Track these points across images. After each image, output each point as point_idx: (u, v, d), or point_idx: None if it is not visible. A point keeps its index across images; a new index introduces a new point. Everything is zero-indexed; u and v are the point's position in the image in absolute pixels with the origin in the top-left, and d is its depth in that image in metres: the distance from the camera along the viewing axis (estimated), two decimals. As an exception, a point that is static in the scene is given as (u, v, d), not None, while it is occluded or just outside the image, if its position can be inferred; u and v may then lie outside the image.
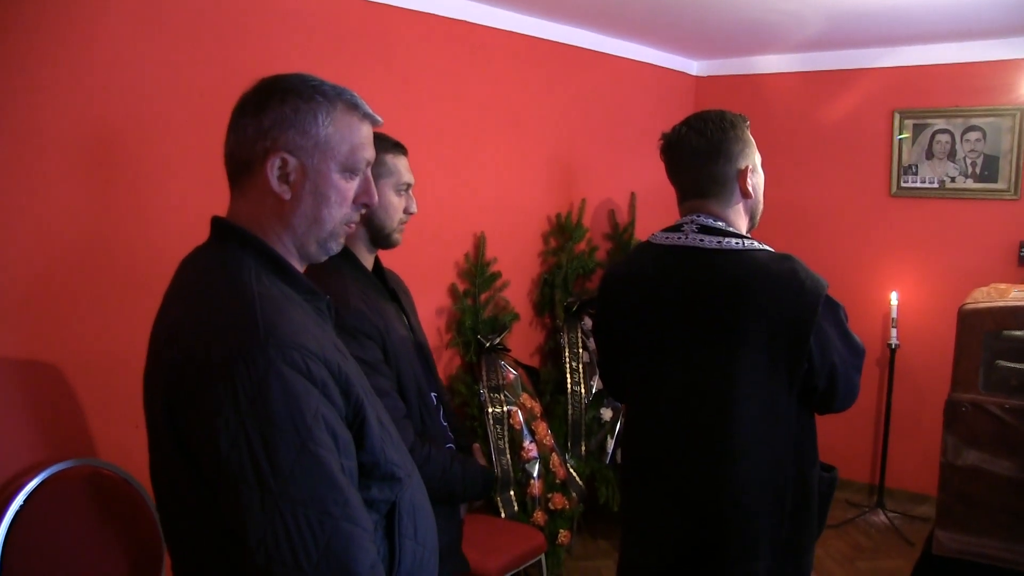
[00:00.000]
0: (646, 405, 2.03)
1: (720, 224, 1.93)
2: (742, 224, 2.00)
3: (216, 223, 1.39)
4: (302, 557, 1.15)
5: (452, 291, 4.04)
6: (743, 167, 1.96)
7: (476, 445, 2.44)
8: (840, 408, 1.97)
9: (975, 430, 2.73)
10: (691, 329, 1.89)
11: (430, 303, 3.94)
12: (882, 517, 4.92)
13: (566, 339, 4.44)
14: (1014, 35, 4.43)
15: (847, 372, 1.91)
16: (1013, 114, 4.70)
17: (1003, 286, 3.17)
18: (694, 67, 5.67)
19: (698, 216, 1.95)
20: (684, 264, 1.93)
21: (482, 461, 2.35)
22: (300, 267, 1.42)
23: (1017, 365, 2.82)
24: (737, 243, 1.89)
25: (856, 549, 4.61)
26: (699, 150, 1.95)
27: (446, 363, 4.05)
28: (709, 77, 5.67)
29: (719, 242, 1.90)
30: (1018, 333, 2.82)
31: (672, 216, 2.03)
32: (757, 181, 2.02)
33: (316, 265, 1.46)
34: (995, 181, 4.80)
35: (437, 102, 3.83)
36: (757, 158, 2.02)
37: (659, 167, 2.09)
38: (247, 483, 1.15)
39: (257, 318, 1.22)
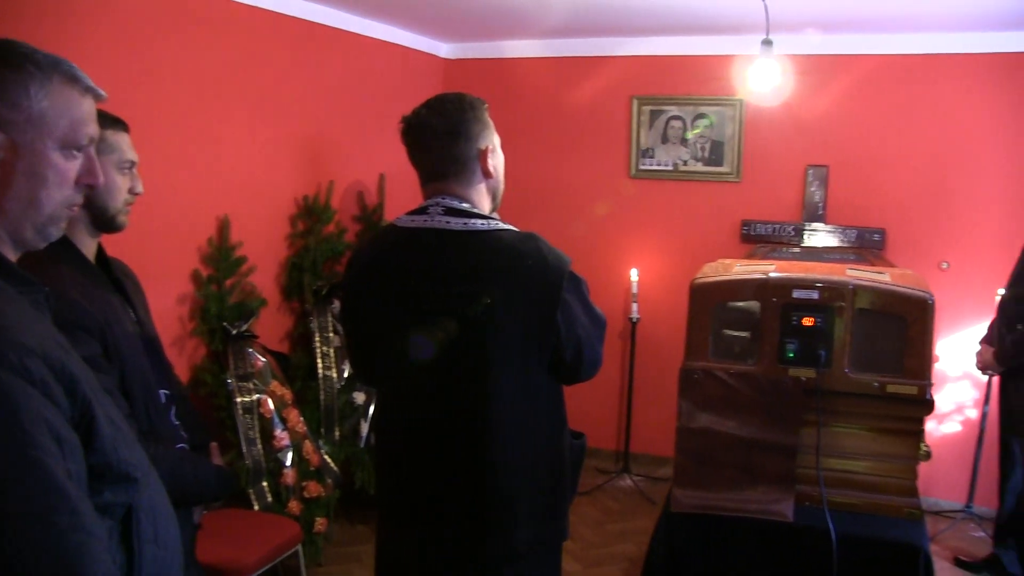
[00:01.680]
0: (400, 388, 2.04)
1: (465, 205, 1.97)
2: (485, 204, 2.04)
3: None
4: None
5: (195, 277, 3.87)
6: (483, 147, 2.00)
7: (214, 444, 2.34)
8: (586, 378, 2.06)
9: (706, 394, 2.96)
10: (439, 311, 1.90)
11: (170, 291, 3.76)
12: (628, 481, 5.24)
13: (316, 323, 4.38)
14: (738, 32, 4.81)
15: (592, 343, 2.01)
16: (735, 104, 5.13)
17: (728, 261, 3.44)
18: (443, 49, 5.73)
19: (443, 198, 1.97)
20: (431, 246, 1.94)
21: (218, 460, 2.27)
22: (13, 256, 1.28)
23: (740, 333, 3.08)
24: (482, 224, 1.94)
25: (606, 513, 4.88)
26: (440, 131, 1.97)
27: (191, 353, 3.88)
28: (458, 60, 5.75)
29: (464, 223, 1.93)
30: (740, 304, 3.07)
31: (421, 198, 2.05)
32: (497, 162, 2.06)
33: (29, 253, 1.32)
34: (721, 165, 5.22)
35: (172, 77, 3.64)
36: (496, 139, 2.06)
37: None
38: None
39: None
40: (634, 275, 5.18)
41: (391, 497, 2.10)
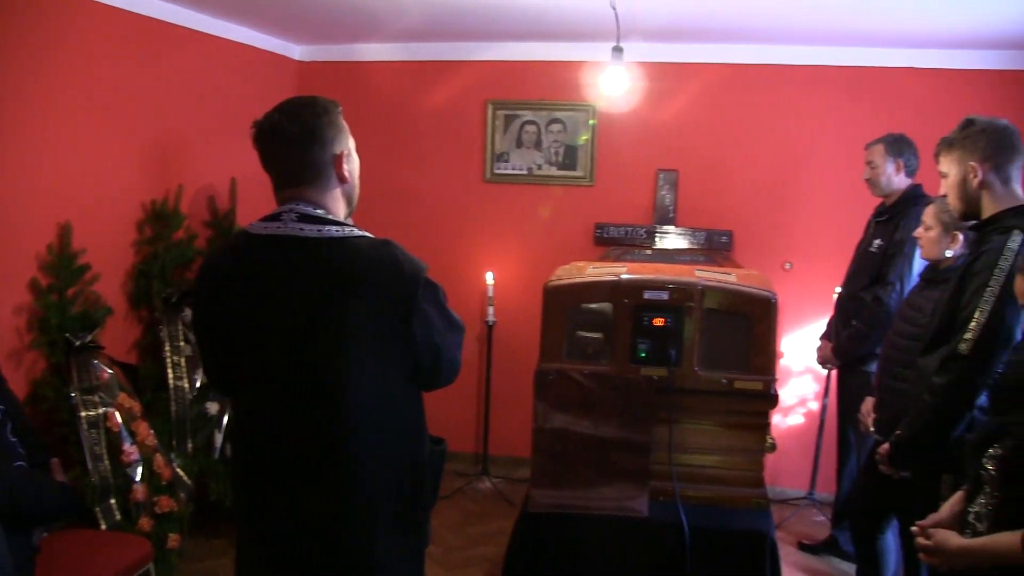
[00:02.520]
0: (256, 398, 1.97)
1: (319, 212, 1.93)
2: (340, 210, 2.01)
3: None
4: None
5: (33, 287, 3.63)
6: (338, 152, 1.96)
7: (55, 460, 2.22)
8: (445, 383, 2.05)
9: (561, 395, 3.00)
10: (296, 320, 1.86)
11: (5, 301, 3.53)
12: (487, 483, 5.26)
13: (166, 332, 4.22)
14: (591, 39, 4.89)
15: (450, 349, 2.00)
16: (588, 109, 5.23)
17: (581, 264, 3.50)
18: (296, 51, 5.62)
19: (297, 204, 1.93)
20: (285, 254, 1.90)
21: (60, 477, 2.16)
22: None
23: (593, 334, 3.14)
24: (337, 231, 1.90)
25: (466, 516, 4.88)
26: (293, 137, 1.92)
27: (29, 366, 3.65)
28: (312, 62, 5.65)
29: (319, 230, 1.89)
30: (593, 306, 3.13)
31: (275, 204, 2.00)
32: (353, 166, 2.03)
33: None
34: (575, 169, 5.31)
35: (4, 75, 3.41)
36: (351, 143, 2.03)
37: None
38: None
39: None
40: (490, 278, 5.20)
41: (249, 510, 2.03)
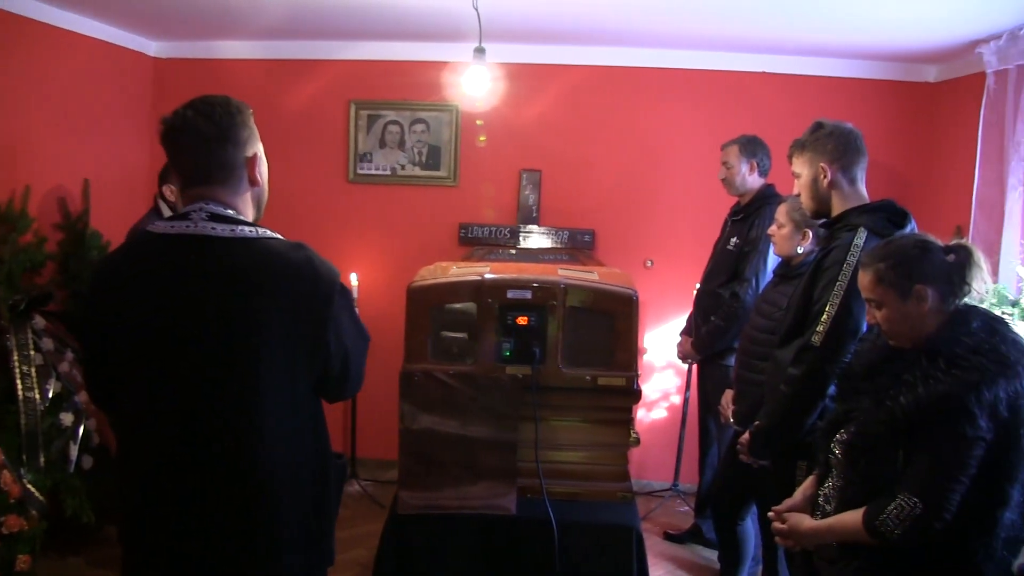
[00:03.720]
0: (154, 408, 1.84)
1: (230, 212, 1.86)
2: (250, 213, 1.96)
3: None
4: None
5: None
6: (251, 155, 1.92)
7: None
8: (350, 394, 2.03)
9: (427, 396, 2.99)
10: (206, 322, 1.78)
11: None
12: (356, 486, 5.19)
13: (14, 341, 3.98)
14: (453, 40, 4.89)
15: (358, 358, 1.98)
16: (451, 110, 5.23)
17: (445, 264, 3.48)
18: (152, 48, 5.41)
19: (207, 203, 1.85)
20: (194, 254, 1.81)
21: None
22: None
23: (458, 334, 3.13)
24: (250, 231, 1.85)
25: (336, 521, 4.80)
26: (207, 135, 1.86)
27: None
28: (169, 59, 5.45)
29: (232, 230, 1.83)
30: (458, 306, 3.13)
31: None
32: (263, 169, 1.99)
33: None
34: (438, 169, 5.30)
35: None
36: (260, 146, 1.98)
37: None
38: None
39: None
40: (354, 280, 5.12)
41: (139, 529, 1.90)
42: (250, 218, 1.95)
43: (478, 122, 5.26)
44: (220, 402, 1.80)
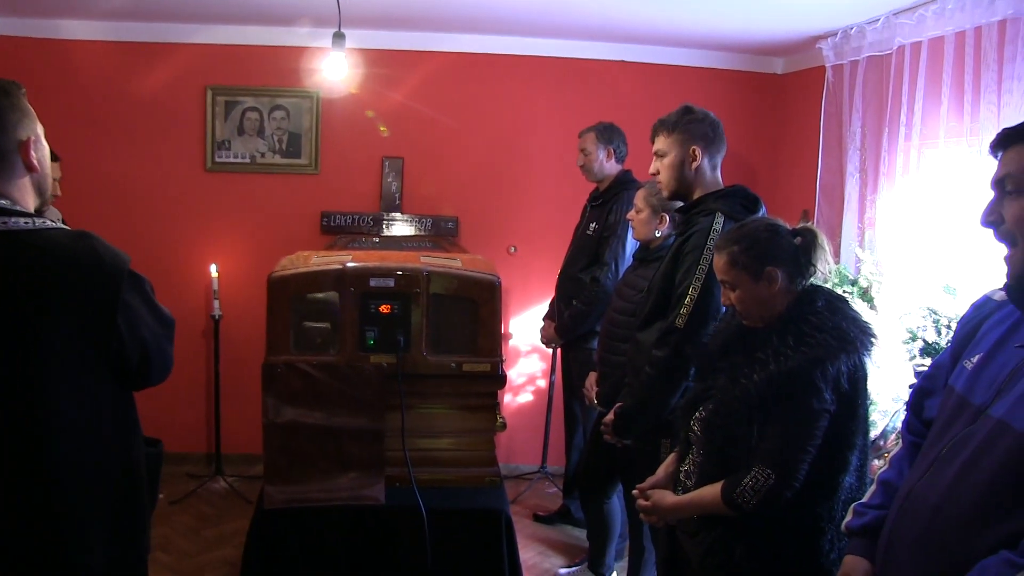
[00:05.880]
0: None
1: (4, 203, 1.76)
2: (30, 202, 1.84)
3: None
4: None
5: None
6: (24, 138, 1.80)
7: None
8: (156, 382, 1.95)
9: (290, 388, 2.94)
10: None
11: None
12: (222, 483, 5.06)
13: None
14: (313, 25, 4.79)
15: (159, 345, 1.90)
16: (311, 96, 5.13)
17: (306, 253, 3.42)
18: (-17, 25, 5.08)
19: None
20: None
21: None
22: None
23: (320, 325, 3.10)
24: (27, 223, 1.75)
25: (201, 519, 4.68)
26: None
27: None
28: (4, 37, 5.12)
29: (5, 222, 1.73)
30: (320, 295, 3.08)
31: None
32: (43, 154, 1.86)
33: None
34: (299, 157, 5.20)
35: None
36: (40, 128, 1.87)
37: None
38: None
39: None
40: (214, 271, 4.97)
41: None
42: (31, 207, 1.84)
43: (369, 113, 5.18)
44: (2, 402, 1.73)
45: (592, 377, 3.81)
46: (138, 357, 1.84)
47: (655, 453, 2.98)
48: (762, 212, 2.94)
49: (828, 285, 2.60)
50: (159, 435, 2.05)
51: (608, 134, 4.34)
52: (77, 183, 4.58)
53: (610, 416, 3.13)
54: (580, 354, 4.36)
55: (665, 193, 3.13)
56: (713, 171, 3.01)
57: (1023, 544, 1.42)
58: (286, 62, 5.07)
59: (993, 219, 1.61)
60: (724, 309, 2.79)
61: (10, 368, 1.72)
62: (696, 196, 2.98)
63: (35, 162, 1.82)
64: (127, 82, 5.12)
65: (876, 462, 3.01)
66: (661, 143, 3.03)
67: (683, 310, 2.81)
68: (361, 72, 4.86)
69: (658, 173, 3.08)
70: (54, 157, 2.11)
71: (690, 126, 2.96)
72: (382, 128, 5.22)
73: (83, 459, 1.79)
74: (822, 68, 4.56)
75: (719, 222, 2.83)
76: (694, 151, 2.95)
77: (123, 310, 1.78)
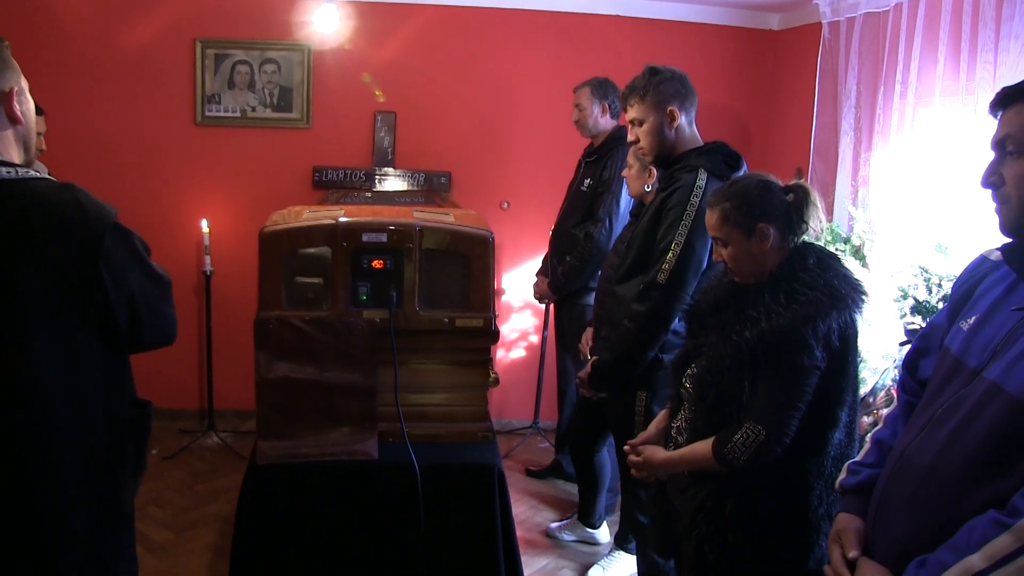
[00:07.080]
0: None
1: None
2: (15, 155, 1.81)
3: None
4: None
5: None
6: (7, 90, 1.77)
7: None
8: (154, 343, 1.91)
9: (282, 344, 2.93)
10: None
11: None
12: (215, 439, 5.08)
13: None
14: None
15: (152, 304, 1.86)
16: (303, 49, 5.06)
17: (298, 208, 3.41)
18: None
19: None
20: None
21: None
22: None
23: (312, 280, 3.08)
24: (8, 172, 1.72)
25: (194, 474, 4.71)
26: None
27: None
28: (-17, -10, 5.04)
29: None
30: (312, 251, 3.07)
31: None
32: (27, 107, 1.83)
33: None
34: (290, 111, 5.15)
35: None
36: (24, 82, 1.84)
37: None
38: None
39: None
40: (205, 226, 4.94)
41: None
42: (16, 160, 1.81)
43: (365, 77, 5.12)
44: None
45: (588, 333, 3.82)
46: (127, 315, 1.81)
47: (631, 406, 3.01)
48: (744, 170, 2.93)
49: (820, 243, 2.59)
50: (151, 391, 2.03)
51: (603, 89, 4.31)
52: (64, 138, 4.54)
53: (586, 369, 3.14)
54: (573, 310, 4.37)
55: (649, 159, 3.12)
56: (691, 126, 3.00)
57: (1011, 503, 1.43)
58: (277, 14, 5.00)
59: (994, 180, 1.60)
60: (706, 266, 2.79)
61: None
62: (678, 153, 2.98)
63: (19, 114, 1.80)
64: (114, 35, 5.03)
65: (866, 419, 3.04)
66: (636, 111, 3.00)
67: (665, 266, 2.82)
68: (353, 25, 4.81)
69: (638, 140, 3.06)
70: (39, 111, 2.09)
71: (662, 87, 2.94)
72: (377, 92, 5.16)
73: (65, 418, 1.76)
74: (818, 25, 4.52)
75: (703, 179, 2.82)
76: (672, 112, 2.93)
77: (106, 260, 1.73)
